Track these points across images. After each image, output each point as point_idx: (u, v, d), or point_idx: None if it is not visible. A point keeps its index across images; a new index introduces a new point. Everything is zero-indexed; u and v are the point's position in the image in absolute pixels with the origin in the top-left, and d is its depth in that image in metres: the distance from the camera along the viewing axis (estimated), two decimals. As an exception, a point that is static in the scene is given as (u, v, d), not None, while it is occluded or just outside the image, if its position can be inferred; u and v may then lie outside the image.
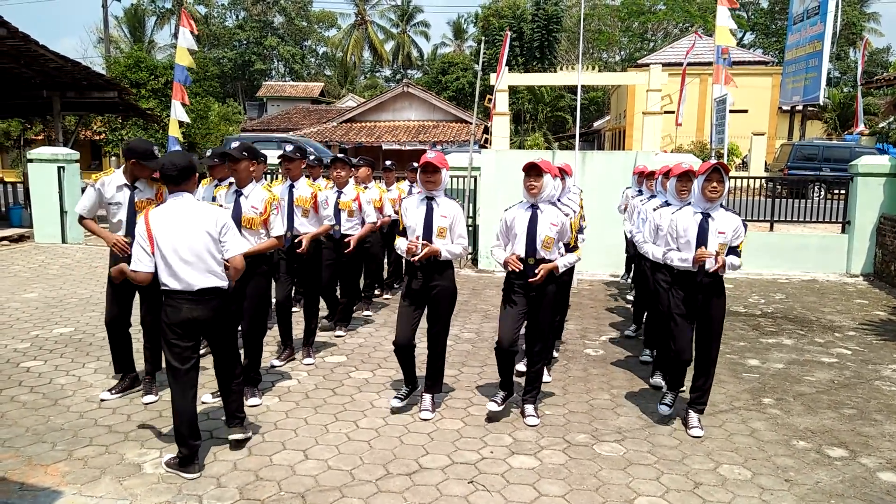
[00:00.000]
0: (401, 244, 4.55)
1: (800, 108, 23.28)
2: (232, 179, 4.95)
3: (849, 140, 23.68)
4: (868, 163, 10.22)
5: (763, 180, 14.49)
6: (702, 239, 4.29)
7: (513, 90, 29.83)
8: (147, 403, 4.77)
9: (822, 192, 15.27)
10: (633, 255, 7.61)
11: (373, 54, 57.76)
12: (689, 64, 21.56)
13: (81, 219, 4.84)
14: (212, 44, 52.04)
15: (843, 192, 11.04)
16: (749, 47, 42.20)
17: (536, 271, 4.34)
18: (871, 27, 45.33)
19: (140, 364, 5.05)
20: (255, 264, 4.65)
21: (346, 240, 6.38)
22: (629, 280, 8.84)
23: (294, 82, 49.03)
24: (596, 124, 42.39)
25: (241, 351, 4.76)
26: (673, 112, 22.72)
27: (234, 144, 4.77)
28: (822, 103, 20.11)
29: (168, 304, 3.74)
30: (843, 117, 29.08)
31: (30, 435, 4.26)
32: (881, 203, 10.03)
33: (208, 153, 5.63)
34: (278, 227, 4.77)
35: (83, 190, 12.54)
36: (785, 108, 26.28)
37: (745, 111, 27.58)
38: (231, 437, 4.07)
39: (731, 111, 11.23)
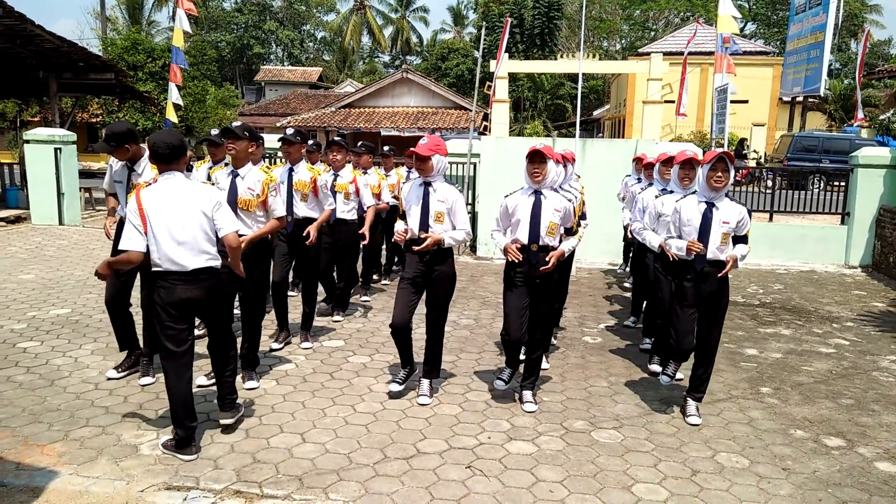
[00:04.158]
0: (399, 228, 4.53)
1: (800, 99, 23.21)
2: (228, 160, 4.93)
3: (849, 132, 23.65)
4: (868, 154, 10.20)
5: (763, 170, 14.48)
6: (705, 228, 4.26)
7: (513, 77, 29.67)
8: (144, 385, 4.75)
9: (822, 184, 15.26)
10: (631, 243, 7.59)
11: (371, 39, 57.43)
12: (690, 53, 21.46)
13: (107, 194, 5.09)
14: (210, 27, 51.66)
15: (842, 183, 11.02)
16: (750, 38, 42.00)
17: (548, 258, 4.33)
18: (873, 19, 45.18)
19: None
20: (254, 248, 4.62)
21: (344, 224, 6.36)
22: (627, 269, 8.84)
23: (292, 67, 48.70)
24: (595, 113, 42.23)
25: (239, 333, 4.75)
26: (673, 101, 22.63)
27: (236, 124, 4.75)
28: (822, 94, 20.05)
29: (161, 285, 3.69)
30: (844, 108, 29.00)
31: (26, 415, 4.24)
32: (881, 195, 10.02)
33: (214, 132, 5.59)
34: (280, 209, 4.72)
35: (81, 171, 12.58)
36: (785, 98, 26.20)
37: (746, 101, 27.48)
38: (222, 420, 4.06)
39: (731, 101, 11.17)
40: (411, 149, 4.44)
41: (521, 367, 4.80)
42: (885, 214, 9.76)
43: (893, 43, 47.88)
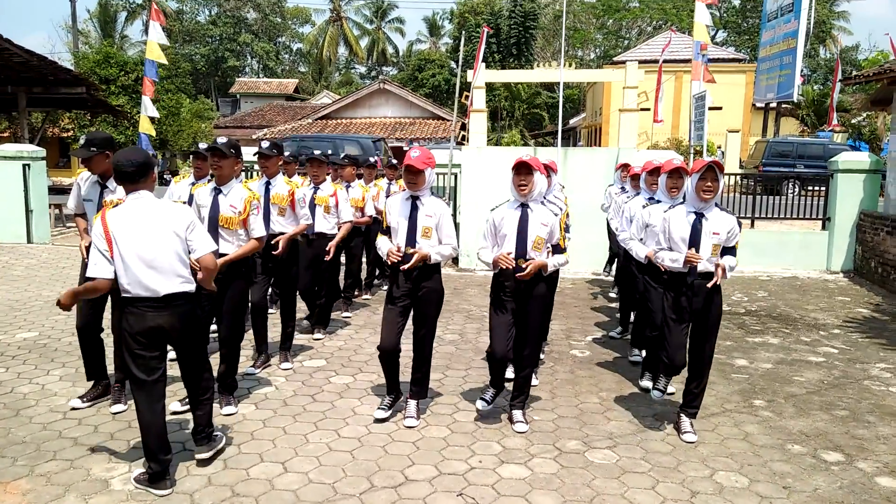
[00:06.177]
0: (382, 244, 4.37)
1: (773, 105, 23.45)
2: (209, 175, 4.76)
3: (821, 136, 23.94)
4: (848, 159, 10.24)
5: (738, 177, 14.51)
6: (694, 239, 4.16)
7: (489, 87, 29.68)
8: (115, 413, 4.52)
9: (797, 189, 15.36)
10: (617, 252, 7.49)
11: (348, 51, 57.26)
12: (665, 61, 21.62)
13: (75, 216, 4.82)
14: (184, 40, 51.19)
15: (818, 188, 11.05)
16: (721, 45, 42.50)
17: (524, 266, 4.16)
18: (841, 25, 45.94)
19: (111, 370, 4.80)
20: (233, 267, 4.43)
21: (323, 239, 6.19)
22: (609, 274, 8.73)
23: (268, 79, 48.36)
24: (572, 122, 42.42)
25: (217, 356, 4.55)
26: (648, 109, 22.76)
27: (222, 140, 4.55)
28: (796, 100, 20.27)
29: (130, 311, 3.47)
30: (816, 114, 29.40)
31: (-12, 450, 4.00)
32: (861, 199, 10.06)
33: (202, 145, 5.35)
34: (259, 229, 4.53)
35: (50, 188, 12.22)
36: (759, 105, 26.49)
37: (720, 108, 27.72)
38: (197, 455, 3.83)
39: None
40: (396, 161, 4.27)
41: (509, 386, 4.66)
42: (866, 219, 9.79)
43: (861, 49, 48.72)
